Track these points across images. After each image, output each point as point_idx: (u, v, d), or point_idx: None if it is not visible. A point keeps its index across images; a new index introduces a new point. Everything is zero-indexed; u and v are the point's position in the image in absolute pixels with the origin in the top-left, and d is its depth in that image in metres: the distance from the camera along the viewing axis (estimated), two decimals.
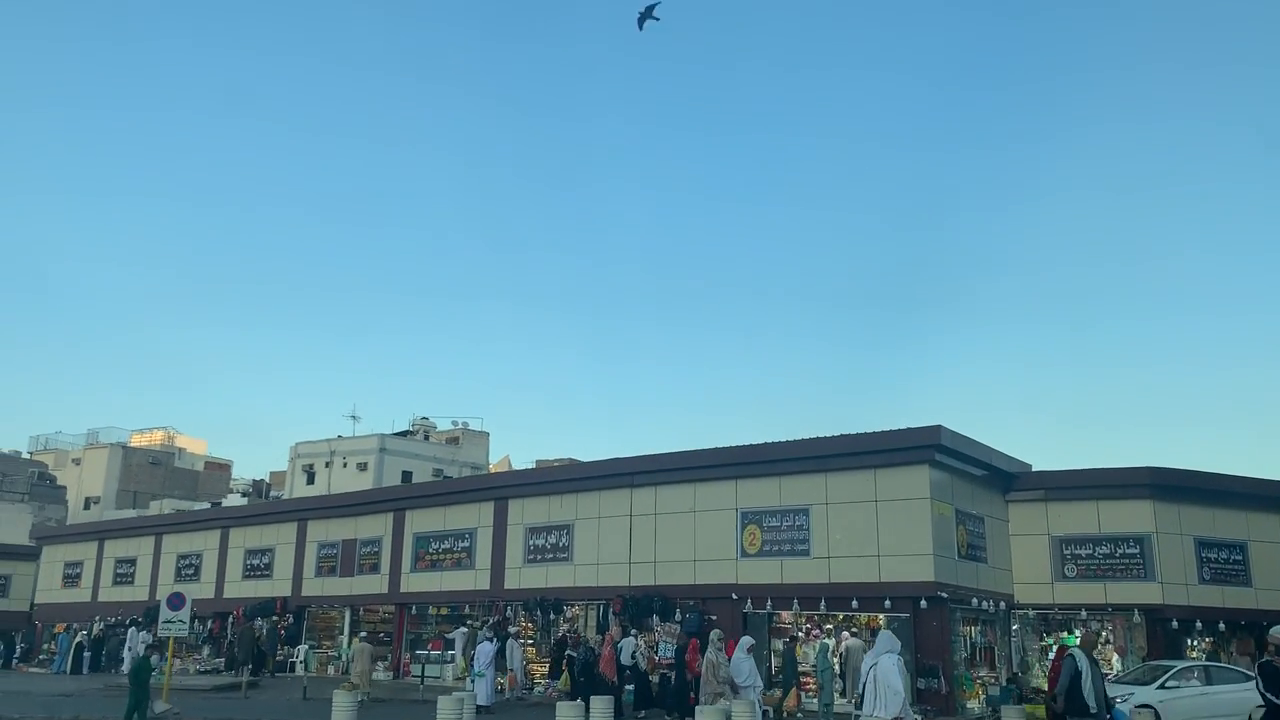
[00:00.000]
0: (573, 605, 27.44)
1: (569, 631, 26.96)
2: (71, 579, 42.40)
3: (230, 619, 35.07)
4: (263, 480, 72.82)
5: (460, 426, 73.90)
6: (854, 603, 22.31)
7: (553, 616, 27.71)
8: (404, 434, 69.89)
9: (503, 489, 29.76)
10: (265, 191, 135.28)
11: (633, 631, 24.30)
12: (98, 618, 39.56)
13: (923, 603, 21.41)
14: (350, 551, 32.99)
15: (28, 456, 69.67)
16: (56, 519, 54.75)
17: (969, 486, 23.96)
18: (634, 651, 23.07)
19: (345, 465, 62.91)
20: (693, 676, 19.36)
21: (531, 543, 28.42)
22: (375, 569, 32.13)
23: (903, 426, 22.48)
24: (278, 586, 34.56)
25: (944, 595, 21.53)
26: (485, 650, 21.24)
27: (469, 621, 29.03)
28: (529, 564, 28.37)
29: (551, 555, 27.92)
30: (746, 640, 18.17)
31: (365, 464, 61.54)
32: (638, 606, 25.39)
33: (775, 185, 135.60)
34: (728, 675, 16.61)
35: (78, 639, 37.23)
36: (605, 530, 26.88)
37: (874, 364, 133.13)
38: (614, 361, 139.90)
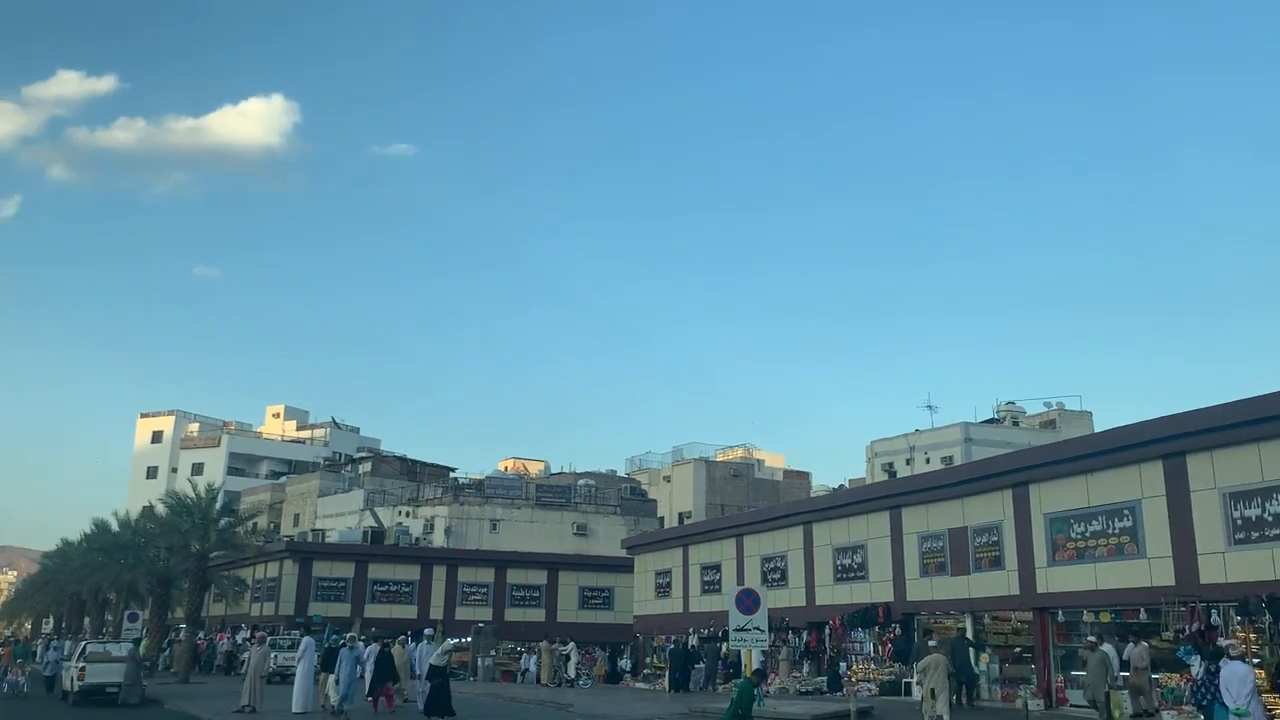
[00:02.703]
0: None
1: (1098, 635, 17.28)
2: (662, 588, 40.43)
3: (827, 629, 29.79)
4: (841, 486, 69.16)
5: (1055, 408, 64.13)
6: None
7: None
8: (989, 422, 62.33)
9: (1170, 441, 20.67)
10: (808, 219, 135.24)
11: None
12: (691, 629, 36.74)
13: None
14: (960, 543, 25.92)
15: (624, 475, 73.02)
16: (649, 531, 54.84)
17: None
18: None
19: (928, 460, 57.21)
20: None
21: (1237, 514, 19.11)
22: (997, 563, 24.70)
23: None
24: (876, 590, 28.52)
25: None
26: (1238, 673, 12.54)
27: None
28: (1236, 546, 19.09)
29: (1276, 530, 18.39)
30: None
31: (950, 457, 55.17)
32: None
33: None
34: None
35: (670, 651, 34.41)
36: None
37: None
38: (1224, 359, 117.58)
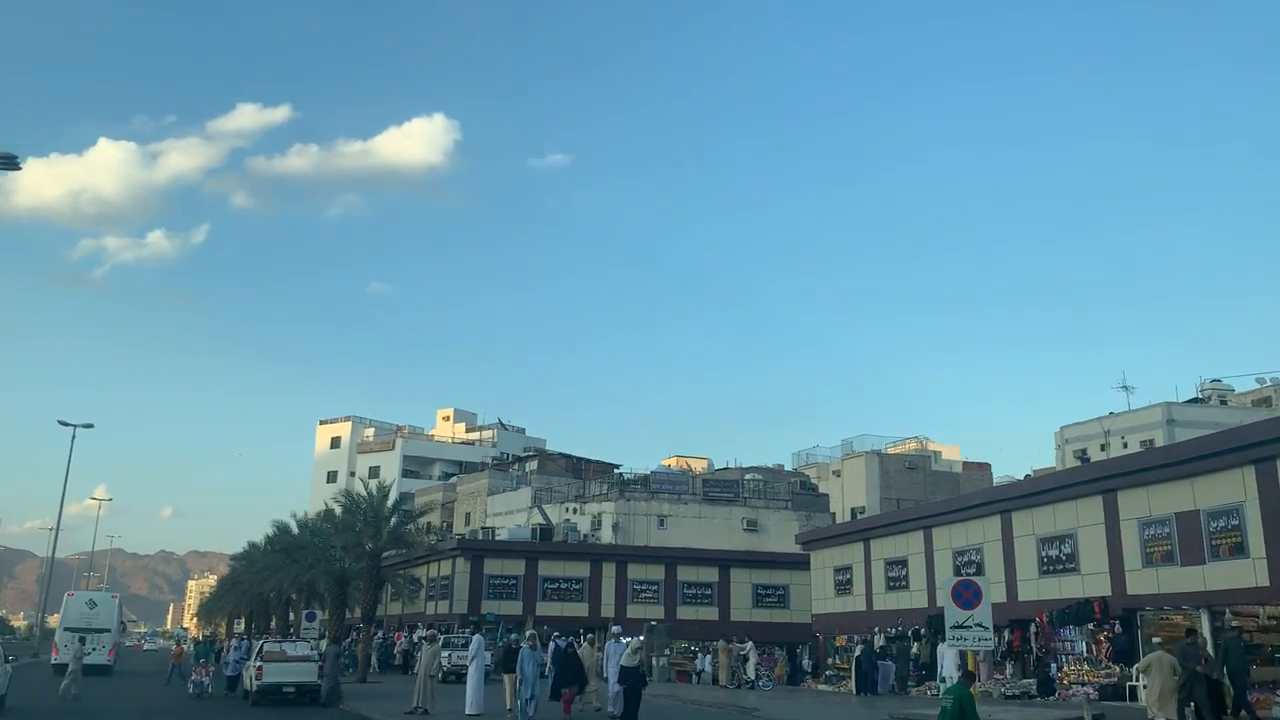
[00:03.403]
0: None
1: None
2: (842, 585, 38.18)
3: (1032, 627, 27.11)
4: (1027, 476, 65.04)
5: (1270, 384, 58.49)
6: None
7: None
8: (1192, 402, 57.36)
9: None
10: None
11: None
12: (876, 628, 34.43)
13: None
14: (1191, 528, 22.91)
15: (791, 470, 70.73)
16: (823, 527, 52.53)
17: None
18: None
19: (1124, 444, 52.96)
20: None
21: None
22: (1239, 551, 21.66)
23: None
24: (1089, 584, 25.70)
25: None
26: None
27: None
28: None
29: None
30: None
31: (1150, 440, 50.75)
32: None
33: None
34: None
35: (857, 653, 32.19)
36: None
37: None
38: None
